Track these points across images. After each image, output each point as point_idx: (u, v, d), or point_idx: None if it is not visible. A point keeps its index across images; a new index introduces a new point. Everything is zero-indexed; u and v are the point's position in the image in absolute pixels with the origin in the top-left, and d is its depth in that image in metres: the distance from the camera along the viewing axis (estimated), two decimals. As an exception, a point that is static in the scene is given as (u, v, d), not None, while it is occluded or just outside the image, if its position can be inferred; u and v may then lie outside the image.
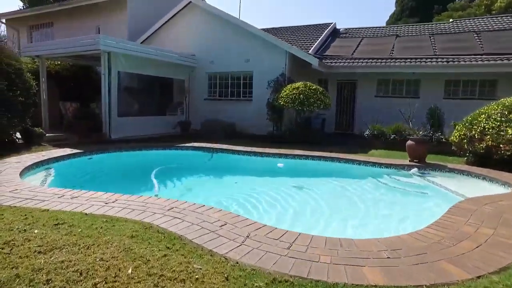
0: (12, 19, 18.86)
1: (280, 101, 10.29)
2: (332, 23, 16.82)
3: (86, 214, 3.46)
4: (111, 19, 15.08)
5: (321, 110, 10.76)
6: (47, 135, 9.08)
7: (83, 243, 2.72)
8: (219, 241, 2.91)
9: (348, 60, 13.00)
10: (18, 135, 8.48)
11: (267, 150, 8.65)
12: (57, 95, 12.59)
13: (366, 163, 7.89)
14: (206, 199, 5.43)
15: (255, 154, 8.49)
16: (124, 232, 3.00)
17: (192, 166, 8.25)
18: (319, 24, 16.98)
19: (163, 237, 2.94)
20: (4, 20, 19.01)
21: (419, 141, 7.73)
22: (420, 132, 7.83)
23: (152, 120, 11.62)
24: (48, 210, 3.55)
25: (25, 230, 2.98)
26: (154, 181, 6.15)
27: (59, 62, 12.43)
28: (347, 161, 8.12)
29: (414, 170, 7.33)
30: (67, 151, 7.50)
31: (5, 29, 19.40)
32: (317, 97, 10.11)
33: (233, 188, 6.41)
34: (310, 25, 17.15)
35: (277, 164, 7.63)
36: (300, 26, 17.28)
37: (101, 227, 3.09)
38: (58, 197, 4.05)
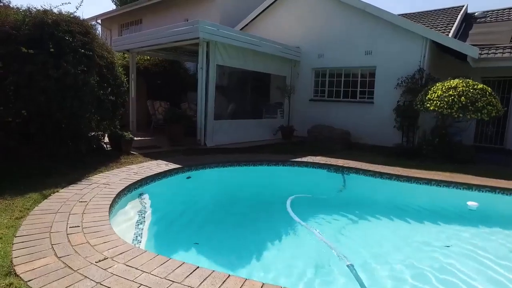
0: (105, 19, 19.16)
1: (427, 104, 7.49)
2: (463, 6, 13.23)
3: None
4: (200, 10, 13.66)
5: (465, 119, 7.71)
6: (135, 139, 7.66)
7: None
8: None
9: (509, 50, 9.53)
10: (106, 139, 7.14)
11: (426, 175, 5.96)
12: (144, 93, 11.52)
13: None
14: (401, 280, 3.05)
15: (408, 179, 5.89)
16: None
17: (324, 196, 5.91)
18: (447, 9, 13.50)
19: None
20: (99, 21, 19.43)
21: None
22: None
23: (249, 124, 9.69)
24: None
25: None
26: (317, 234, 3.96)
27: (148, 58, 11.28)
28: None
29: None
30: (161, 165, 5.79)
31: (100, 29, 19.86)
32: (487, 100, 7.09)
33: (438, 255, 3.84)
34: (434, 11, 13.76)
35: (467, 204, 4.92)
36: (422, 12, 13.98)
37: None
38: (179, 296, 2.02)
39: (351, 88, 10.18)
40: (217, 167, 6.39)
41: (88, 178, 4.76)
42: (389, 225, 4.90)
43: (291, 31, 11.07)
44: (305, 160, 7.05)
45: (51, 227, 2.98)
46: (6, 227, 2.93)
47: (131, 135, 6.88)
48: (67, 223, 3.07)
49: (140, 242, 3.27)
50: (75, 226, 3.01)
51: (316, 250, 3.69)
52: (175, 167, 5.72)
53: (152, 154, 6.89)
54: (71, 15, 5.87)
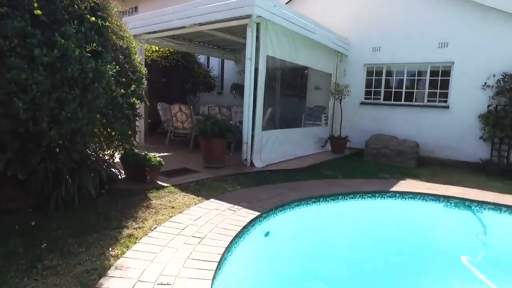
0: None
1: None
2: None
3: None
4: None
5: None
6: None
7: None
8: None
9: None
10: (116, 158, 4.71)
11: None
12: (146, 92, 9.11)
13: None
14: None
15: None
16: None
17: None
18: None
19: None
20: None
21: None
22: None
23: (295, 134, 7.48)
24: None
25: None
26: None
27: (157, 48, 8.86)
28: None
29: None
30: (223, 210, 3.53)
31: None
32: None
33: None
34: None
35: None
36: None
37: None
38: None
39: (416, 89, 8.19)
40: (299, 206, 4.19)
41: (118, 263, 2.41)
42: None
43: (335, 18, 8.94)
44: (407, 190, 4.96)
45: None
46: None
47: (159, 159, 4.52)
48: None
49: None
50: None
51: None
52: (249, 215, 3.46)
53: (190, 185, 4.58)
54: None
